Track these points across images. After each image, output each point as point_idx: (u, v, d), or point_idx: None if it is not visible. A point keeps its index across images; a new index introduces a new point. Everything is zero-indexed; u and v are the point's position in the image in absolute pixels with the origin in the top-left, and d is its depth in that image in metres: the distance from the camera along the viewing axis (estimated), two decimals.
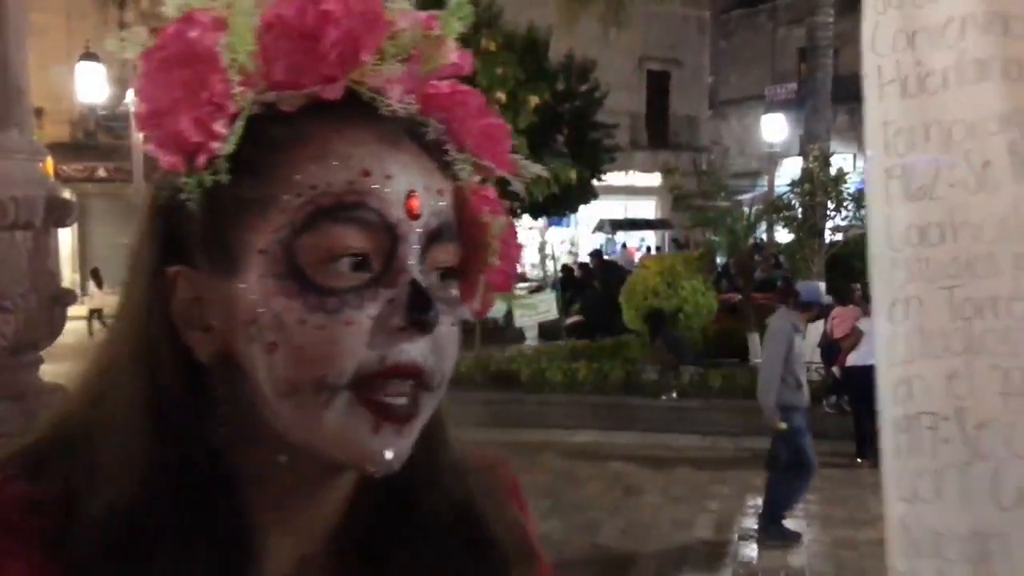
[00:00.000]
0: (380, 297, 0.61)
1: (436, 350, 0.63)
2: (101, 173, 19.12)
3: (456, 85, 0.68)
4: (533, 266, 21.81)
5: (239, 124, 0.60)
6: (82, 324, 13.48)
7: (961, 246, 1.47)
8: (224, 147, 0.60)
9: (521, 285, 16.07)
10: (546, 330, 13.56)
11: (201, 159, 0.60)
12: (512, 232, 0.72)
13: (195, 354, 0.63)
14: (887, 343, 1.52)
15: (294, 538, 0.68)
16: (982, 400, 1.45)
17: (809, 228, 10.80)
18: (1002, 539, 1.42)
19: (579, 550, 6.14)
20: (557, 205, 15.34)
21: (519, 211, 15.12)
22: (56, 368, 2.60)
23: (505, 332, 13.60)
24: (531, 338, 14.06)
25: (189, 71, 0.60)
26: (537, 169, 0.74)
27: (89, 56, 16.10)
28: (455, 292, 0.67)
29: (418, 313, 0.60)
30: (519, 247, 0.73)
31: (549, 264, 14.86)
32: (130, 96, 16.20)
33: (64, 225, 2.81)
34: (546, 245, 21.20)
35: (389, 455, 0.61)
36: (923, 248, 1.50)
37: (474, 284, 0.70)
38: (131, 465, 0.61)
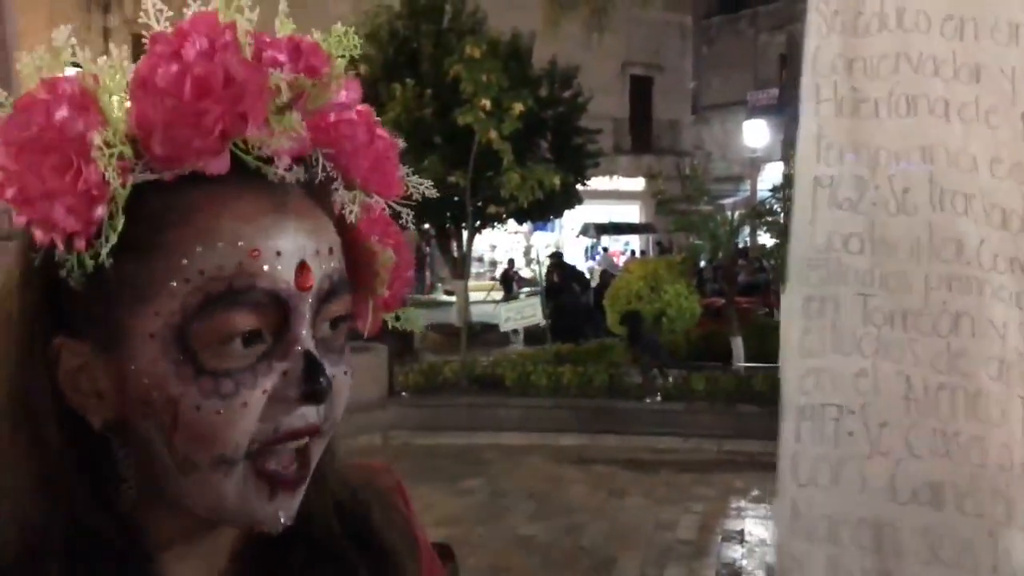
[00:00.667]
0: (274, 371, 0.61)
1: (329, 404, 0.64)
2: None
3: (341, 113, 0.66)
4: (520, 270, 21.87)
5: (120, 209, 0.58)
6: None
7: (878, 260, 1.58)
8: (107, 232, 0.58)
9: (525, 290, 16.13)
10: (531, 334, 13.64)
11: (79, 243, 0.58)
12: (404, 254, 0.72)
13: (88, 421, 0.63)
14: (799, 336, 1.61)
15: (199, 562, 0.69)
16: (886, 401, 1.55)
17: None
18: (894, 530, 1.49)
19: (564, 552, 6.21)
20: (542, 210, 15.39)
21: (504, 216, 15.20)
22: None
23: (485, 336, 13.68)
24: (516, 342, 14.14)
25: (59, 157, 0.57)
26: (424, 187, 0.73)
27: (73, 65, 16.05)
28: (346, 337, 0.67)
29: (313, 384, 0.61)
30: (410, 264, 0.74)
31: (535, 268, 14.92)
32: None
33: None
34: (531, 249, 21.28)
35: (284, 519, 0.64)
36: (844, 254, 1.59)
37: (365, 308, 0.72)
38: (23, 536, 0.60)
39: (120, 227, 0.58)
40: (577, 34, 16.73)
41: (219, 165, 0.59)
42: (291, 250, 0.61)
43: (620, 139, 27.14)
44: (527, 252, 23.93)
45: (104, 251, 0.58)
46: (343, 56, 0.65)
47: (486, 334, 14.14)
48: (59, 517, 0.61)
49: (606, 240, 26.52)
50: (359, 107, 0.67)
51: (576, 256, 26.56)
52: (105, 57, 0.62)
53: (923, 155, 1.57)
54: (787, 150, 13.46)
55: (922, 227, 1.56)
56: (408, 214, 0.73)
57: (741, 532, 6.73)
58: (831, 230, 1.60)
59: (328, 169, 0.65)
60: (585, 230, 25.90)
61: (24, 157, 0.57)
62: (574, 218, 23.51)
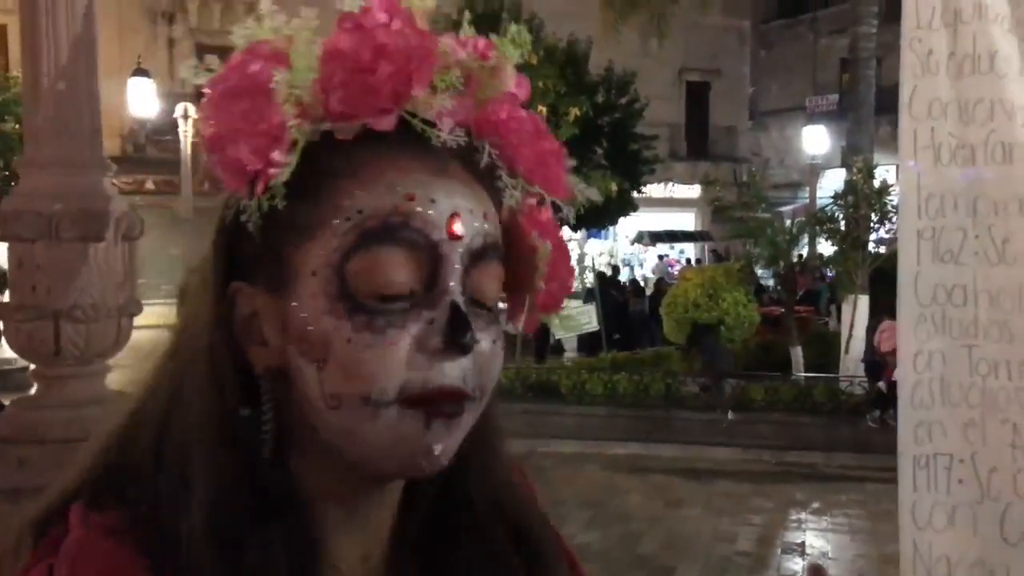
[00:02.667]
0: (422, 318, 0.63)
1: (477, 369, 0.65)
2: (149, 185, 19.50)
3: (513, 110, 0.69)
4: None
5: (294, 154, 0.63)
6: (143, 333, 13.71)
7: (981, 310, 1.62)
8: (281, 174, 0.63)
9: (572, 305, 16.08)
10: (585, 342, 13.57)
11: (260, 185, 0.63)
12: (564, 254, 0.74)
13: (253, 368, 0.67)
14: (911, 388, 1.67)
15: (356, 538, 0.70)
16: (993, 448, 1.61)
17: (852, 241, 10.71)
18: (1005, 569, 1.58)
19: (620, 561, 6.15)
20: (597, 217, 15.35)
21: (560, 223, 15.19)
22: (121, 377, 2.70)
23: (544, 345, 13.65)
24: (570, 349, 14.09)
25: (248, 103, 0.64)
26: (591, 194, 0.76)
27: (140, 72, 16.50)
28: (496, 320, 0.68)
29: (457, 335, 0.63)
30: (570, 269, 0.75)
31: (588, 276, 14.87)
32: (179, 110, 16.55)
33: (133, 239, 2.92)
34: (585, 257, 21.21)
35: (438, 449, 0.64)
36: (948, 307, 1.63)
37: (521, 303, 0.73)
38: (209, 483, 0.63)
39: (294, 166, 0.63)
40: (634, 40, 16.64)
41: (388, 122, 0.64)
42: (445, 201, 0.65)
43: (676, 145, 26.94)
44: (580, 260, 23.87)
45: (281, 192, 0.63)
46: (515, 51, 0.70)
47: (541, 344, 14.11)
48: (244, 477, 0.64)
49: (662, 248, 26.31)
50: (530, 111, 0.71)
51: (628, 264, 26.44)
52: (301, 19, 0.68)
53: (1020, 205, 1.59)
54: (848, 156, 13.21)
55: (1022, 277, 1.59)
56: (569, 213, 0.75)
57: (802, 544, 6.60)
58: (936, 283, 1.63)
59: (493, 156, 0.68)
60: (639, 237, 25.74)
61: (221, 103, 0.65)
62: (628, 225, 23.42)
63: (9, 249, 2.84)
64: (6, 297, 3.05)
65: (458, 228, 0.64)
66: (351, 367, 0.62)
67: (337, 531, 0.69)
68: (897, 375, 1.72)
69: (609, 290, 15.44)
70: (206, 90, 0.66)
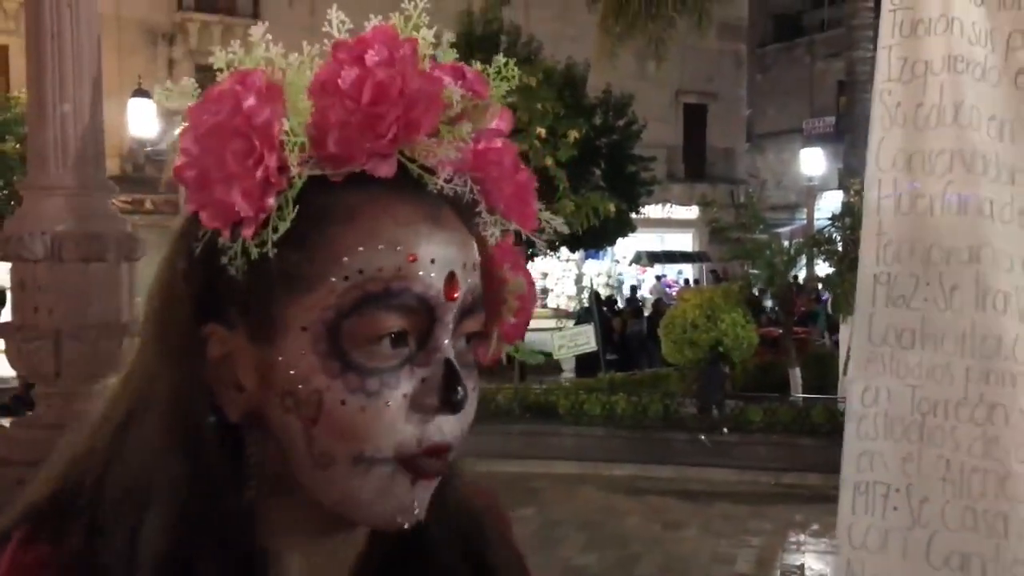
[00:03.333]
0: (415, 375, 0.62)
1: (462, 420, 0.65)
2: (148, 205, 19.54)
3: (492, 140, 0.68)
4: (570, 298, 21.80)
5: (291, 200, 0.60)
6: None
7: (926, 353, 1.74)
8: (276, 223, 0.60)
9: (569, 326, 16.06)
10: (584, 363, 13.55)
11: (248, 230, 0.60)
12: (531, 285, 0.74)
13: (225, 412, 0.64)
14: (857, 421, 1.81)
15: (320, 570, 0.69)
16: (927, 481, 1.75)
17: (851, 262, 10.73)
18: None
19: None
20: (595, 238, 15.39)
21: (556, 244, 15.22)
22: None
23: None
24: (568, 370, 14.06)
25: (244, 143, 0.59)
26: (557, 223, 0.75)
27: (140, 92, 16.58)
28: (473, 357, 0.68)
29: (452, 395, 0.62)
30: (535, 299, 0.75)
31: (586, 296, 14.88)
32: (178, 131, 16.53)
33: (133, 259, 2.94)
34: (583, 278, 21.22)
35: (417, 507, 0.64)
36: (897, 348, 1.76)
37: (489, 337, 0.73)
38: (163, 524, 0.61)
39: (291, 217, 0.60)
40: (631, 63, 16.79)
41: (387, 168, 0.61)
42: (443, 260, 0.63)
43: (674, 167, 27.05)
44: (578, 280, 23.89)
45: (272, 239, 0.59)
46: (499, 85, 0.68)
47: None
48: (214, 514, 0.61)
49: (658, 268, 26.35)
50: (506, 139, 0.69)
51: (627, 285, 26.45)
52: (296, 54, 0.64)
53: (970, 254, 1.69)
54: (845, 178, 13.28)
55: (965, 324, 1.71)
56: (543, 247, 0.75)
57: (801, 567, 6.58)
58: (888, 324, 1.75)
59: (475, 192, 0.67)
60: (638, 258, 25.79)
61: (208, 141, 0.60)
62: (626, 246, 23.47)
63: (12, 270, 2.86)
64: (6, 316, 3.07)
65: (456, 292, 0.64)
66: (346, 429, 0.60)
67: (303, 569, 0.68)
68: (846, 409, 1.84)
69: (602, 310, 15.45)
70: (187, 119, 0.61)
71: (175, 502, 0.61)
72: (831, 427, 9.51)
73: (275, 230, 0.60)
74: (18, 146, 13.13)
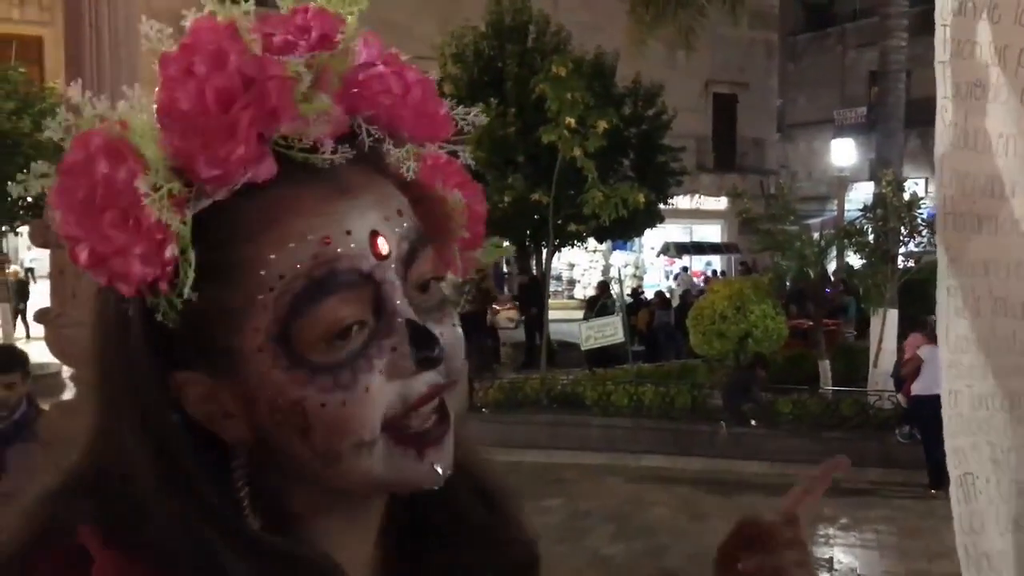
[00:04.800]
0: (383, 348, 0.61)
1: (447, 363, 0.64)
2: None
3: (370, 70, 0.63)
4: (584, 287, 21.62)
5: (190, 244, 0.58)
6: None
7: (975, 356, 1.97)
8: (184, 269, 0.58)
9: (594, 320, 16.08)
10: (611, 354, 13.56)
11: (163, 285, 0.59)
12: (472, 192, 0.71)
13: (223, 438, 0.63)
14: (947, 420, 2.01)
15: (348, 537, 0.69)
16: (985, 464, 1.99)
17: (882, 254, 10.63)
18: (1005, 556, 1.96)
19: (646, 574, 6.14)
20: (623, 228, 15.33)
21: (585, 235, 15.17)
22: None
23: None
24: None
25: (115, 213, 0.57)
26: (473, 117, 0.70)
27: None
28: (441, 293, 0.67)
29: (425, 351, 0.61)
30: (481, 200, 0.72)
31: (615, 287, 14.85)
32: None
33: None
34: (611, 269, 21.17)
35: (440, 469, 0.64)
36: (960, 354, 1.98)
37: (449, 254, 0.72)
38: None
39: (194, 260, 0.58)
40: (661, 52, 16.67)
41: (266, 170, 0.58)
42: (360, 225, 0.61)
43: (703, 157, 26.89)
44: (606, 271, 23.84)
45: (187, 287, 0.59)
46: (351, 12, 0.63)
47: (565, 352, 14.12)
48: (208, 542, 0.60)
49: (687, 259, 26.25)
50: (384, 56, 0.64)
51: (656, 276, 26.39)
52: (123, 101, 0.61)
53: (985, 268, 1.95)
54: (876, 169, 13.12)
55: (986, 328, 1.95)
56: (464, 150, 0.70)
57: (830, 560, 6.55)
58: (957, 334, 2.00)
59: (373, 132, 0.63)
60: (665, 249, 25.69)
61: (84, 221, 0.58)
62: (655, 237, 23.38)
63: (51, 257, 2.91)
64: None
65: (383, 247, 0.62)
66: (337, 426, 0.60)
67: (326, 538, 0.67)
68: (931, 361, 2.18)
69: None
70: (54, 205, 0.59)
71: (171, 543, 0.60)
72: (860, 420, 9.46)
73: (186, 276, 0.59)
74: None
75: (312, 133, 0.59)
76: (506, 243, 14.68)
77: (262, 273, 0.59)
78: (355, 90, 0.62)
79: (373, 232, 0.61)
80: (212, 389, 0.62)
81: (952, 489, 2.00)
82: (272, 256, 0.59)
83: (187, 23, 0.60)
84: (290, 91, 0.58)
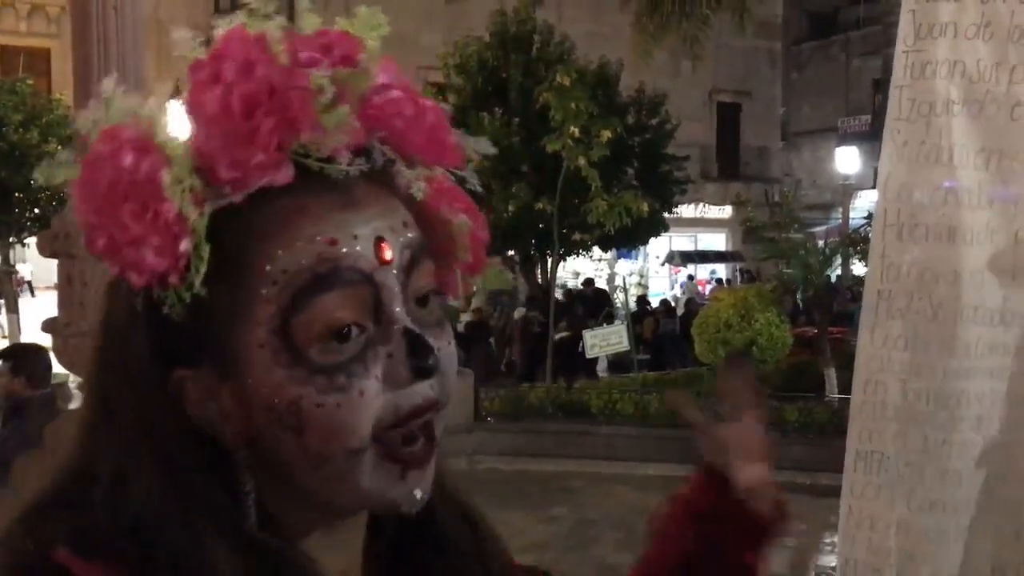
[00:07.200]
0: (380, 354, 0.63)
1: (441, 379, 0.65)
2: None
3: (385, 94, 0.66)
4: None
5: (203, 239, 0.60)
6: None
7: (915, 355, 2.10)
8: (196, 264, 0.60)
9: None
10: (616, 362, 13.54)
11: (173, 279, 0.60)
12: (476, 218, 0.73)
13: (219, 439, 0.64)
14: (859, 406, 2.14)
15: (338, 555, 0.70)
16: (911, 452, 2.14)
17: None
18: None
19: None
20: (628, 237, 15.33)
21: (589, 243, 15.17)
22: None
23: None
24: (601, 369, 14.04)
25: (136, 204, 0.59)
26: (482, 147, 0.73)
27: (179, 95, 16.79)
28: (440, 310, 0.69)
29: (420, 361, 0.63)
30: (484, 227, 0.74)
31: (620, 296, 14.84)
32: None
33: None
34: (615, 277, 21.15)
35: (419, 495, 0.66)
36: (893, 351, 2.11)
37: (452, 277, 0.73)
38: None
39: (207, 255, 0.60)
40: (665, 61, 16.70)
41: (284, 175, 0.61)
42: (366, 232, 0.63)
43: (707, 166, 26.87)
44: (610, 280, 23.82)
45: (197, 281, 0.60)
46: (372, 38, 0.65)
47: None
48: (217, 542, 0.61)
49: (691, 268, 26.22)
50: (401, 83, 0.67)
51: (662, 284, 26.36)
52: (152, 98, 0.63)
53: (955, 277, 2.03)
54: None
55: (948, 333, 2.06)
56: (473, 177, 0.73)
57: (836, 569, 6.52)
58: (887, 334, 2.11)
59: (386, 152, 0.66)
60: (670, 257, 25.67)
61: (104, 210, 0.60)
62: (659, 246, 23.36)
63: (59, 266, 2.93)
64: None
65: (387, 253, 0.64)
66: (331, 428, 0.61)
67: (321, 553, 0.68)
68: (853, 395, 2.23)
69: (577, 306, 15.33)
70: (74, 193, 0.62)
71: (175, 543, 0.61)
72: None
73: (197, 271, 0.60)
74: (61, 147, 13.39)
75: (330, 144, 0.61)
76: (510, 275, 14.61)
77: (268, 268, 0.61)
78: (371, 110, 0.65)
79: (379, 238, 0.63)
80: (211, 387, 0.63)
81: (850, 459, 2.20)
82: (280, 252, 0.61)
83: (218, 32, 0.63)
84: (311, 102, 0.60)
